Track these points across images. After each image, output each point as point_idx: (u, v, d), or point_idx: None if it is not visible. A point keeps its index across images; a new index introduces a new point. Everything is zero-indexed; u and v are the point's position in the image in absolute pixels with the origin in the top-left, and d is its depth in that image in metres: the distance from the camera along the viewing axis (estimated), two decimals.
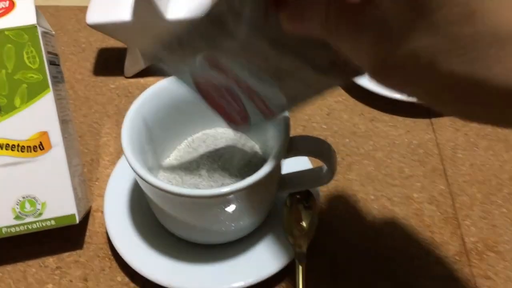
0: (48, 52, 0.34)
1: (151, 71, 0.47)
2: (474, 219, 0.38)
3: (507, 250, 0.36)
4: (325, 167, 0.33)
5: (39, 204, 0.33)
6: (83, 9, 0.53)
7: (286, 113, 0.32)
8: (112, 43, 0.50)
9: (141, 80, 0.47)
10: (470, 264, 0.35)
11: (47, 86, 0.33)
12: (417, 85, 0.19)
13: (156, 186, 0.30)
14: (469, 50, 0.16)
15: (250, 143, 0.37)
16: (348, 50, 0.20)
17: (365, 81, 0.45)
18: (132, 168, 0.31)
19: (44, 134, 0.33)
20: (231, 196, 0.30)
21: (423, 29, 0.17)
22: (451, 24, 0.16)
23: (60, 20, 0.53)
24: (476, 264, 0.35)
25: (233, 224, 0.34)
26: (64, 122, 0.35)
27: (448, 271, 0.35)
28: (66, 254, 0.36)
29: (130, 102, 0.46)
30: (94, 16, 0.43)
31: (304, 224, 0.35)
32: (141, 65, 0.47)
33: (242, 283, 0.33)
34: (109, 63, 0.49)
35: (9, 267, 0.36)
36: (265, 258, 0.34)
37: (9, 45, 0.32)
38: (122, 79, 0.48)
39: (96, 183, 0.40)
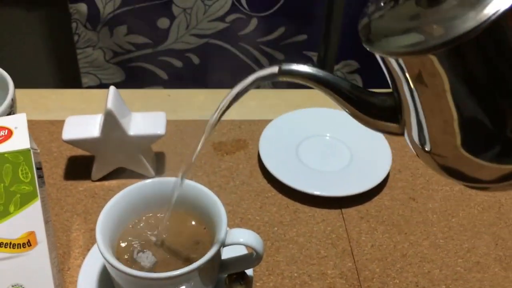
0: (36, 168, 0.43)
1: (113, 175, 0.57)
2: None
3: None
4: (255, 253, 0.44)
5: None
6: (54, 123, 0.63)
7: (223, 212, 0.43)
8: (79, 151, 0.60)
9: (106, 183, 0.57)
10: None
11: (36, 196, 0.42)
12: None
13: (124, 272, 0.39)
14: None
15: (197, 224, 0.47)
16: None
17: (290, 181, 0.57)
18: (103, 257, 0.40)
19: (32, 233, 0.42)
20: (183, 277, 0.40)
21: None
22: None
23: (34, 132, 0.62)
24: None
25: None
26: (47, 222, 0.43)
27: None
28: None
29: (96, 202, 0.55)
30: (69, 133, 0.53)
31: None
32: (106, 170, 0.57)
33: None
34: (77, 169, 0.59)
35: None
36: None
37: (8, 165, 0.42)
38: (89, 183, 0.57)
39: (68, 272, 0.48)
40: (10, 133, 0.43)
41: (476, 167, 0.27)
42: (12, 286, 0.41)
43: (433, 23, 0.24)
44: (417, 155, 0.30)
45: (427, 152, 0.29)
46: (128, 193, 0.44)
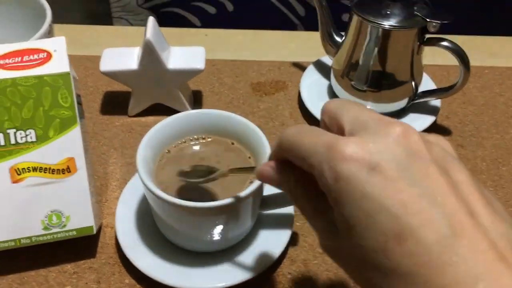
0: (76, 94, 0.42)
1: (150, 112, 0.55)
2: None
3: None
4: None
5: (64, 217, 0.41)
6: (90, 58, 0.62)
7: (267, 143, 0.41)
8: (116, 87, 0.58)
9: (142, 119, 0.56)
10: None
11: (76, 121, 0.41)
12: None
13: (162, 199, 0.38)
14: None
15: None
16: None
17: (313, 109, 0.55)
18: (144, 184, 0.38)
19: (71, 159, 0.41)
20: (224, 208, 0.38)
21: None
22: None
23: None
24: None
25: (221, 235, 0.41)
26: (86, 150, 0.42)
27: None
28: (82, 261, 0.43)
29: (133, 137, 0.54)
30: (107, 65, 0.52)
31: None
32: (143, 106, 0.55)
33: (229, 283, 0.41)
34: (114, 104, 0.57)
35: (32, 272, 0.42)
36: (248, 263, 0.42)
37: (47, 88, 0.40)
38: (125, 118, 0.56)
39: (106, 203, 0.48)
40: (49, 56, 0.41)
41: None
42: (51, 211, 0.40)
43: None
44: None
45: None
46: (170, 122, 0.43)
